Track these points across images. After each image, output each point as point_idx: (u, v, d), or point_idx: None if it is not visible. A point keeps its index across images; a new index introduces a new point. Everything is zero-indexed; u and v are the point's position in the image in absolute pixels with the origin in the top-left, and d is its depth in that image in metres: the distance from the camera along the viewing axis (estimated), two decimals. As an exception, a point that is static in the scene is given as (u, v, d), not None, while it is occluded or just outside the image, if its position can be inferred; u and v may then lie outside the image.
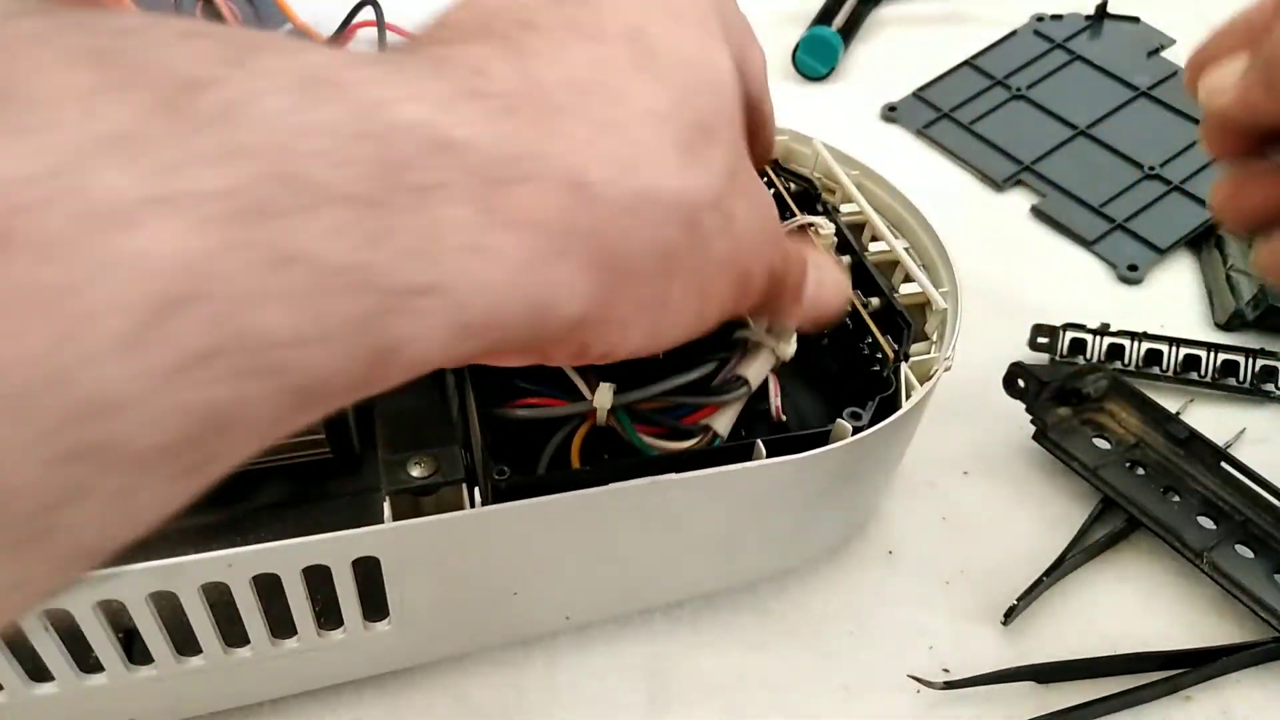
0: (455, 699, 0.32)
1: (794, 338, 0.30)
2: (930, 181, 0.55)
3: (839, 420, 0.30)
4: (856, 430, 0.29)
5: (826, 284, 0.29)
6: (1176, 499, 0.37)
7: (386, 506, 0.27)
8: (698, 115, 0.21)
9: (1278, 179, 0.30)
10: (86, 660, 0.27)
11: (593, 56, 0.21)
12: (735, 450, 0.29)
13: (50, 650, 0.26)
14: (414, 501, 0.28)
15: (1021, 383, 0.40)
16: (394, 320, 0.16)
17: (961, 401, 0.41)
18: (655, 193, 0.20)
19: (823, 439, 0.30)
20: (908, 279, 0.36)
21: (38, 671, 0.26)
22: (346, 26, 0.56)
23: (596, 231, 0.19)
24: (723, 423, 0.29)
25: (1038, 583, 0.35)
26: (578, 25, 0.21)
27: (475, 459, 0.28)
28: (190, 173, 0.14)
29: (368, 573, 0.27)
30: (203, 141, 0.14)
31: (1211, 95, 0.29)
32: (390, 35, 0.56)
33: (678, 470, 0.28)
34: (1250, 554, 0.35)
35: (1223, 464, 0.37)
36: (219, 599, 0.26)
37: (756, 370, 0.29)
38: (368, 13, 0.56)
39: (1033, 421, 0.39)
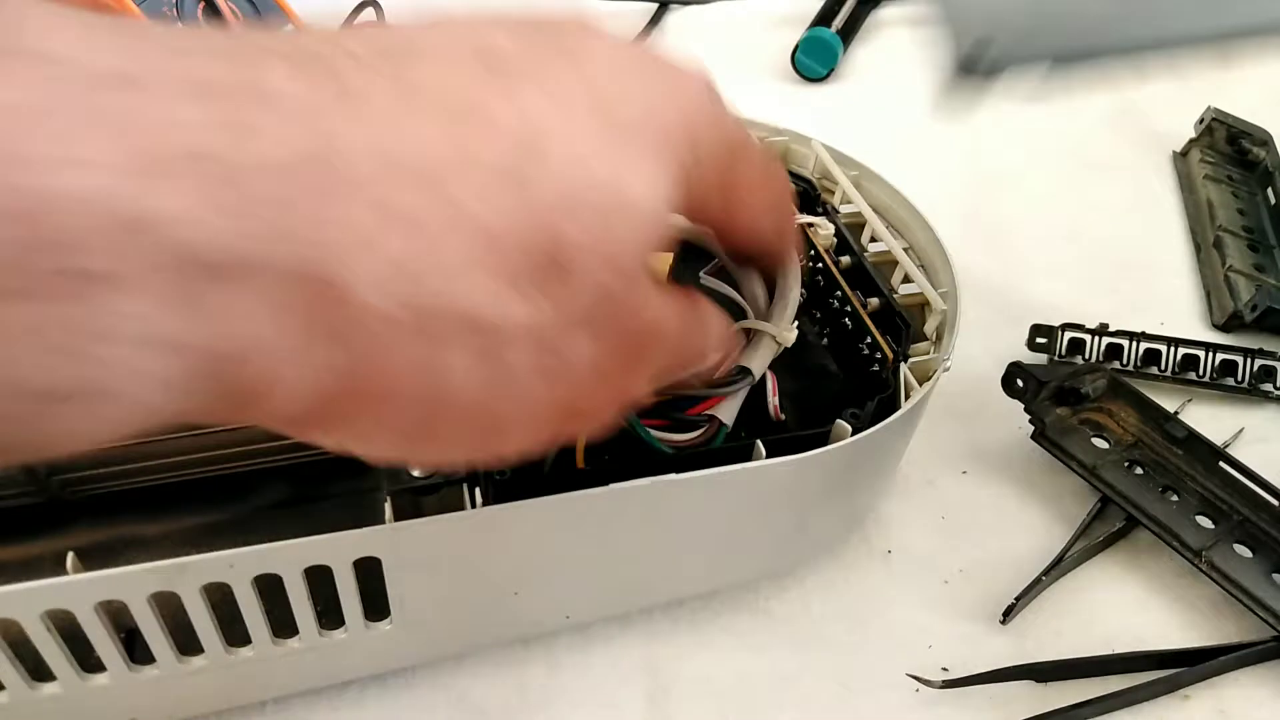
0: (456, 699, 0.32)
1: (795, 324, 0.30)
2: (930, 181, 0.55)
3: (838, 421, 0.30)
4: (856, 431, 0.29)
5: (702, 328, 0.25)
6: (1175, 498, 0.37)
7: (387, 507, 0.27)
8: (552, 245, 0.17)
9: None
10: (88, 660, 0.27)
11: (443, 136, 0.16)
12: (735, 451, 0.29)
13: (52, 650, 0.26)
14: (415, 501, 0.28)
15: (1020, 382, 0.40)
16: (39, 424, 0.14)
17: (960, 401, 0.41)
18: (439, 310, 0.16)
19: (822, 439, 0.30)
20: (907, 279, 0.36)
21: (39, 671, 0.27)
22: (346, 26, 0.57)
23: (341, 338, 0.16)
24: (727, 413, 0.29)
25: (1036, 581, 0.35)
26: (486, 76, 0.17)
27: None
28: None
29: (369, 572, 0.27)
30: None
31: None
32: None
33: (678, 470, 0.28)
34: (1249, 553, 0.35)
35: (1221, 463, 0.37)
36: (221, 599, 0.26)
37: (760, 359, 0.29)
38: (369, 13, 0.56)
39: (1031, 421, 0.39)
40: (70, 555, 0.25)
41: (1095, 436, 0.39)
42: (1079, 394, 0.39)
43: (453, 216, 0.16)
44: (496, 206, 0.17)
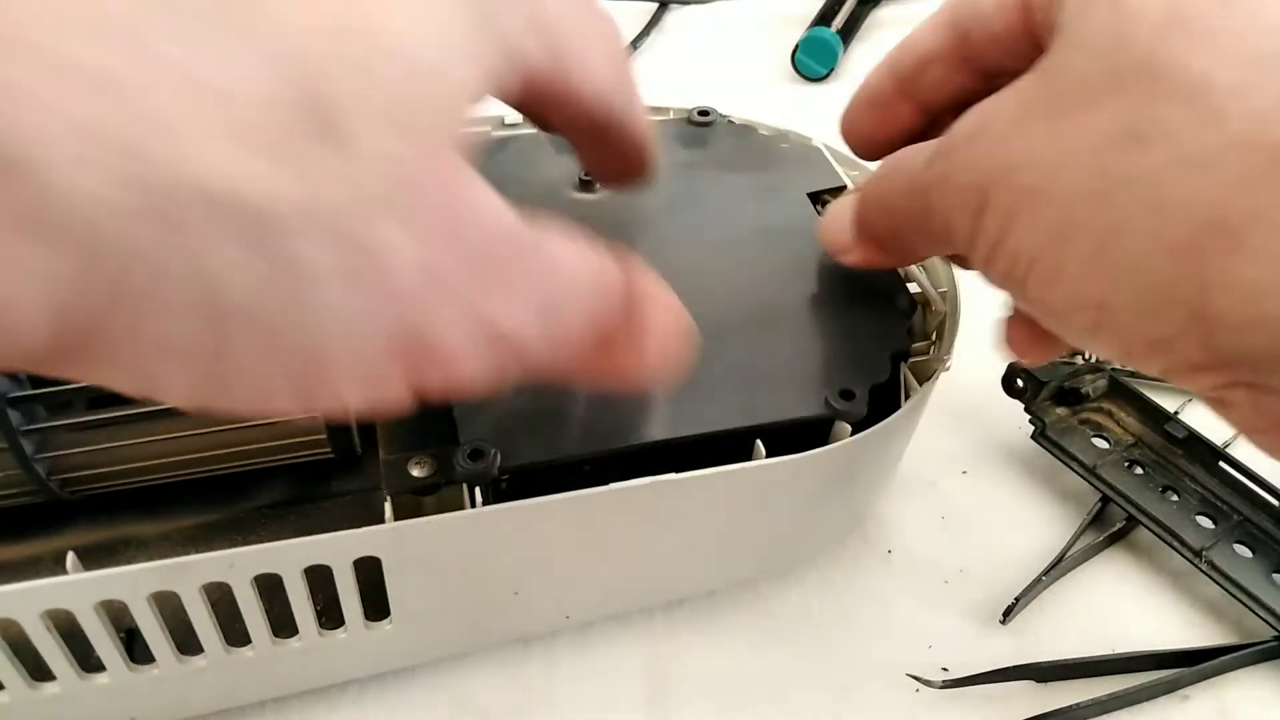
0: (456, 699, 0.32)
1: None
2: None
3: (838, 421, 0.30)
4: (849, 416, 0.29)
5: (659, 326, 0.22)
6: (1175, 498, 0.37)
7: (388, 506, 0.27)
8: (313, 103, 0.14)
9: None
10: (88, 660, 0.27)
11: None
12: (734, 449, 0.29)
13: (52, 650, 0.26)
14: (415, 502, 0.29)
15: (1020, 382, 0.40)
16: None
17: (960, 401, 0.41)
18: (171, 186, 0.13)
19: (822, 438, 0.30)
20: (907, 279, 0.36)
21: (40, 671, 0.27)
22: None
23: (57, 236, 0.13)
24: None
25: (1036, 581, 0.35)
26: None
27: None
28: None
29: (369, 572, 0.27)
30: None
31: (835, 254, 0.29)
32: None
33: (676, 470, 0.28)
34: (1249, 553, 0.35)
35: (1221, 463, 0.37)
36: (220, 598, 0.26)
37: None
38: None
39: (1031, 421, 0.39)
40: (70, 555, 0.25)
41: (1095, 436, 0.39)
42: (1079, 394, 0.39)
43: (159, 70, 0.13)
44: (217, 56, 0.14)
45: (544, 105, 0.23)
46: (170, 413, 0.29)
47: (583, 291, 0.20)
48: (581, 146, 0.27)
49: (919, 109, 0.28)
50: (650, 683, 0.33)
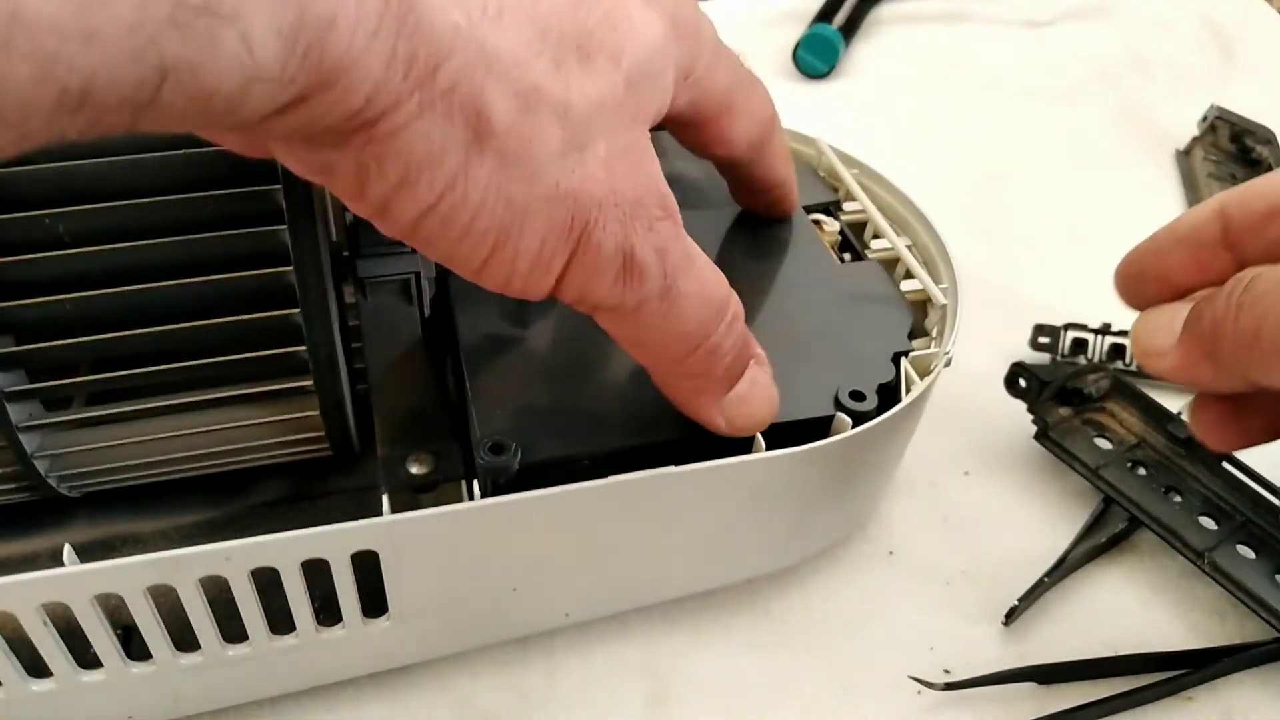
0: (455, 699, 0.32)
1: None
2: (932, 178, 0.55)
3: (838, 414, 0.30)
4: (862, 417, 0.29)
5: (760, 391, 0.27)
6: (1178, 499, 0.37)
7: (385, 501, 0.27)
8: (579, 32, 0.21)
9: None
10: (85, 656, 0.26)
11: None
12: (734, 443, 0.29)
13: (48, 645, 0.26)
14: (413, 499, 0.28)
15: (1023, 382, 0.39)
16: (173, 39, 0.14)
17: (962, 402, 0.41)
18: (484, 34, 0.19)
19: (823, 431, 0.30)
20: (909, 275, 0.36)
21: (35, 667, 0.26)
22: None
23: (415, 26, 0.18)
24: None
25: (1039, 583, 0.35)
26: None
27: (474, 444, 0.28)
28: None
29: (367, 569, 0.27)
30: None
31: (1148, 358, 0.28)
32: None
33: (676, 463, 0.28)
34: (1252, 554, 0.35)
35: (1224, 464, 0.37)
36: (218, 595, 0.26)
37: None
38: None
39: (1034, 421, 0.39)
40: (67, 547, 0.25)
41: (1098, 437, 0.39)
42: (1082, 394, 0.39)
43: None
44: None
45: (702, 138, 0.31)
46: (169, 409, 0.29)
47: (704, 284, 0.25)
48: (728, 179, 0.36)
49: (1238, 261, 0.27)
50: (649, 684, 0.33)
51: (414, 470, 0.29)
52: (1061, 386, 0.39)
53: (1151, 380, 0.44)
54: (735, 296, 0.27)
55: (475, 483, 0.28)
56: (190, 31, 0.14)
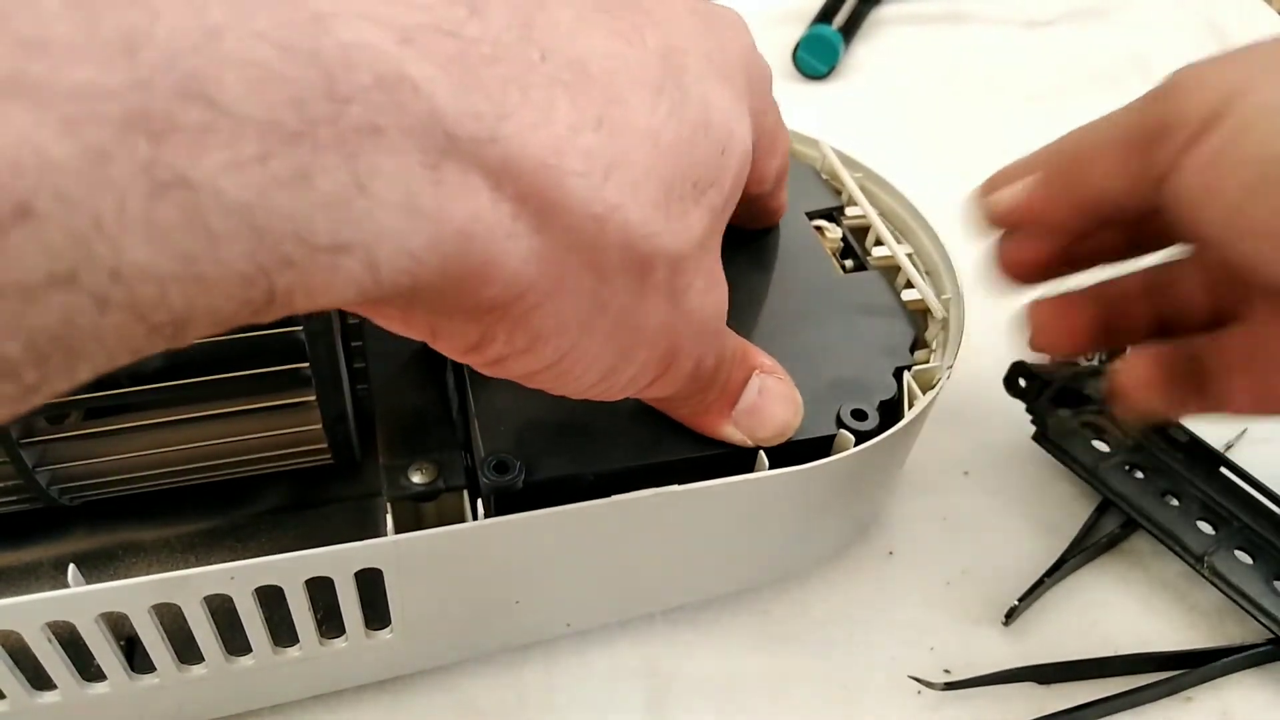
0: (455, 702, 0.32)
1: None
2: (932, 180, 0.55)
3: (841, 432, 0.30)
4: (864, 435, 0.29)
5: (770, 398, 0.27)
6: (1176, 503, 0.37)
7: (389, 517, 0.27)
8: (696, 169, 0.19)
9: (1097, 297, 0.30)
10: (88, 669, 0.27)
11: (614, 50, 0.18)
12: (737, 461, 0.29)
13: (52, 659, 0.26)
14: (415, 509, 0.28)
15: (1023, 382, 0.39)
16: (289, 274, 0.14)
17: (962, 402, 0.41)
18: (618, 214, 0.18)
19: (825, 448, 0.30)
20: (909, 285, 0.36)
21: (40, 680, 0.27)
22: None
23: (550, 218, 0.17)
24: None
25: (1039, 583, 0.35)
26: (612, 13, 0.19)
27: (477, 462, 0.28)
28: (69, 59, 0.11)
29: (370, 581, 0.27)
30: (97, 26, 0.11)
31: (996, 201, 0.30)
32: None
33: (680, 482, 0.28)
34: (1249, 560, 0.35)
35: (1221, 469, 0.37)
36: (220, 606, 0.26)
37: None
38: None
39: (1033, 422, 0.39)
40: (71, 567, 0.25)
41: (1096, 439, 0.39)
42: (1081, 395, 0.39)
43: (635, 129, 0.18)
44: (665, 129, 0.18)
45: None
46: (171, 423, 0.29)
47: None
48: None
49: None
50: (650, 685, 0.33)
51: (416, 479, 0.29)
52: (1061, 388, 0.39)
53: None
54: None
55: (479, 498, 0.28)
56: (310, 266, 0.14)
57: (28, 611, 0.24)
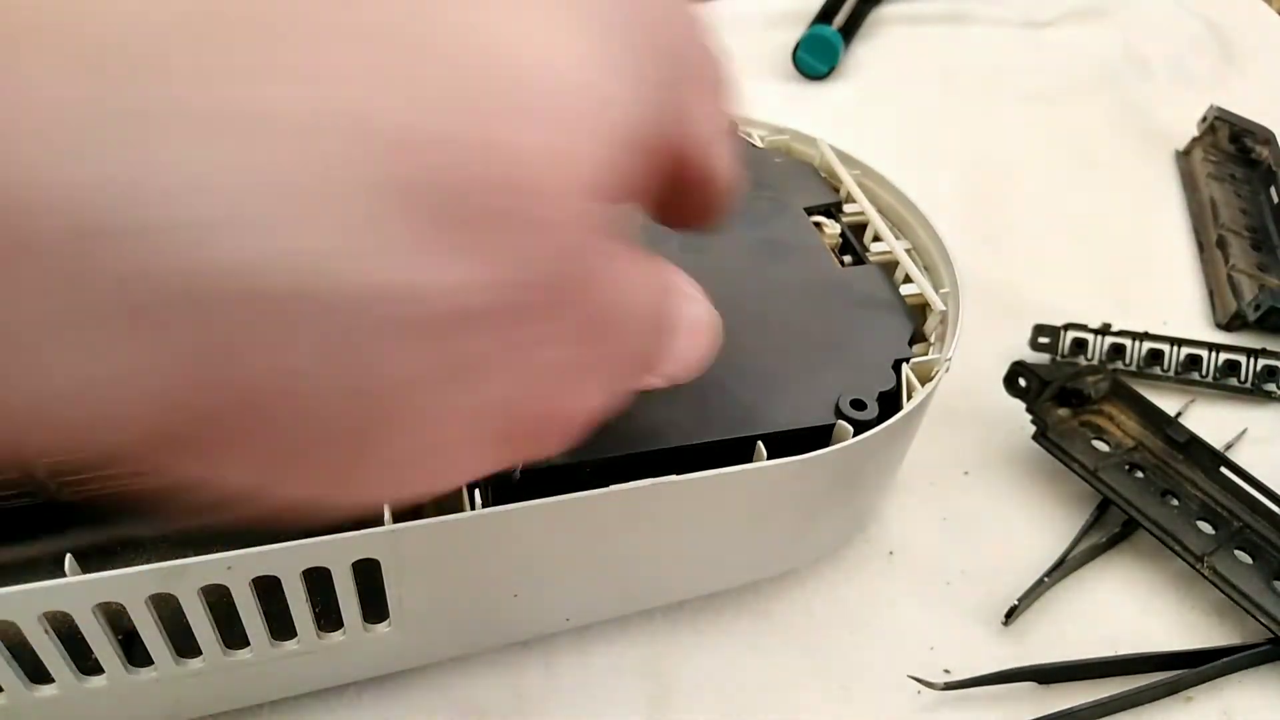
0: (454, 700, 0.32)
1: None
2: (931, 179, 0.55)
3: (839, 422, 0.30)
4: (863, 426, 0.29)
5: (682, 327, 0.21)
6: (1175, 503, 0.37)
7: (386, 508, 0.27)
8: (451, 188, 0.12)
9: None
10: (86, 662, 0.27)
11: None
12: (735, 451, 0.29)
13: (50, 652, 0.26)
14: (413, 505, 0.28)
15: (1023, 381, 0.39)
16: None
17: (962, 401, 0.41)
18: (288, 273, 0.11)
19: (824, 439, 0.30)
20: (908, 279, 0.36)
21: (38, 673, 0.26)
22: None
23: (143, 312, 0.11)
24: None
25: (1039, 583, 0.35)
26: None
27: None
28: None
29: (368, 574, 0.27)
30: None
31: None
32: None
33: (678, 472, 0.28)
34: (1249, 560, 0.35)
35: (1221, 469, 0.37)
36: (218, 600, 0.26)
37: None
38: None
39: (1033, 421, 0.39)
40: (69, 557, 0.25)
41: (1096, 438, 0.39)
42: (1081, 395, 0.39)
43: (301, 137, 0.11)
44: (375, 128, 0.11)
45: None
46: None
47: (657, 353, 0.20)
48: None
49: None
50: (650, 684, 0.33)
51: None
52: (1061, 387, 0.39)
53: (1151, 380, 0.44)
54: None
55: (476, 489, 0.28)
56: None
57: (25, 602, 0.24)
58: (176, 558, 0.25)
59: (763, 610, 0.35)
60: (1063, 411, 0.39)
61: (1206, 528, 0.36)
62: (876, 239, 0.38)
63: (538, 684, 0.33)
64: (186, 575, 0.25)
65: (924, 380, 0.32)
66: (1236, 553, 0.35)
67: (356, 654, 0.30)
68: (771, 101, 0.63)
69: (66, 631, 0.25)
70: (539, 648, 0.34)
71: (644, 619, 0.35)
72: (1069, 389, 0.39)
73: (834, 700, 0.33)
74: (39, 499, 0.29)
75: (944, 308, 0.34)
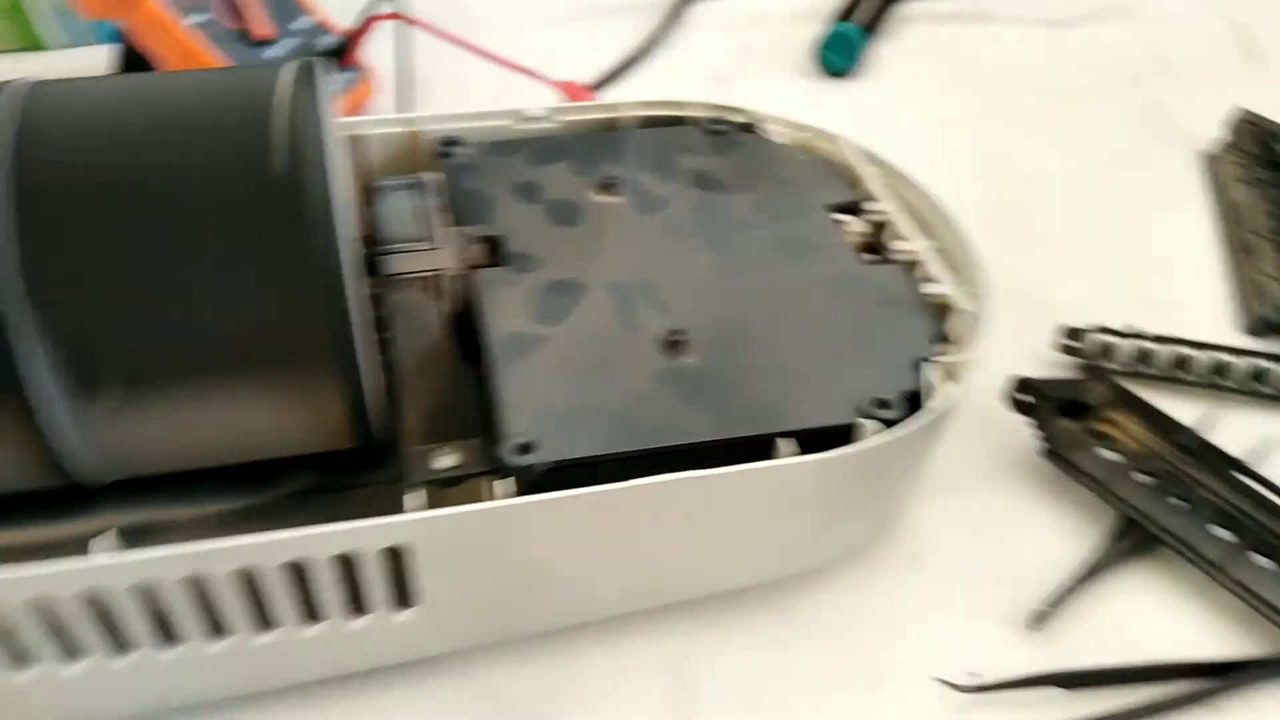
0: (480, 689, 0.32)
1: None
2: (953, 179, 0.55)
3: (864, 421, 0.30)
4: (886, 424, 0.29)
5: None
6: (1189, 509, 0.36)
7: (416, 496, 0.27)
8: None
9: None
10: (118, 639, 0.27)
11: None
12: (761, 448, 0.29)
13: (84, 628, 0.26)
14: (439, 495, 0.29)
15: (1025, 398, 0.39)
16: None
17: (987, 404, 0.41)
18: None
19: (846, 437, 0.30)
20: (931, 279, 0.36)
21: (71, 649, 0.27)
22: (365, 19, 0.55)
23: None
24: None
25: (1065, 588, 0.35)
26: None
27: (502, 444, 0.28)
28: None
29: (397, 561, 0.27)
30: None
31: None
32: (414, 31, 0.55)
33: (701, 466, 0.28)
34: (1270, 565, 0.35)
35: (1233, 472, 0.36)
36: (248, 585, 0.26)
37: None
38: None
39: (1041, 438, 0.39)
40: (108, 534, 0.25)
41: (1105, 449, 0.38)
42: (1084, 405, 0.39)
43: None
44: None
45: None
46: (196, 396, 0.29)
47: None
48: None
49: None
50: (674, 679, 0.33)
51: (439, 465, 0.29)
52: (1065, 399, 0.39)
53: (1178, 385, 0.43)
54: None
55: (501, 480, 0.28)
56: None
57: (63, 579, 0.24)
58: (209, 540, 0.25)
59: (787, 608, 0.35)
60: (1068, 423, 0.39)
61: (1223, 534, 0.36)
62: (899, 238, 0.38)
63: (562, 674, 0.33)
64: (220, 557, 0.25)
65: (951, 381, 0.31)
66: (1257, 559, 0.35)
67: (383, 639, 0.30)
68: (793, 98, 0.62)
69: (100, 608, 0.26)
70: (565, 640, 0.34)
71: (669, 614, 0.35)
72: (1073, 401, 0.39)
73: (858, 700, 0.33)
74: (67, 481, 0.29)
75: (970, 308, 0.34)
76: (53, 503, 0.31)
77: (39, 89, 0.28)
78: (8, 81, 0.28)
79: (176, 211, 0.26)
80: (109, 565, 0.24)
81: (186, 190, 0.26)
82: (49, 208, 0.25)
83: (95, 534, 0.28)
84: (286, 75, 0.29)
